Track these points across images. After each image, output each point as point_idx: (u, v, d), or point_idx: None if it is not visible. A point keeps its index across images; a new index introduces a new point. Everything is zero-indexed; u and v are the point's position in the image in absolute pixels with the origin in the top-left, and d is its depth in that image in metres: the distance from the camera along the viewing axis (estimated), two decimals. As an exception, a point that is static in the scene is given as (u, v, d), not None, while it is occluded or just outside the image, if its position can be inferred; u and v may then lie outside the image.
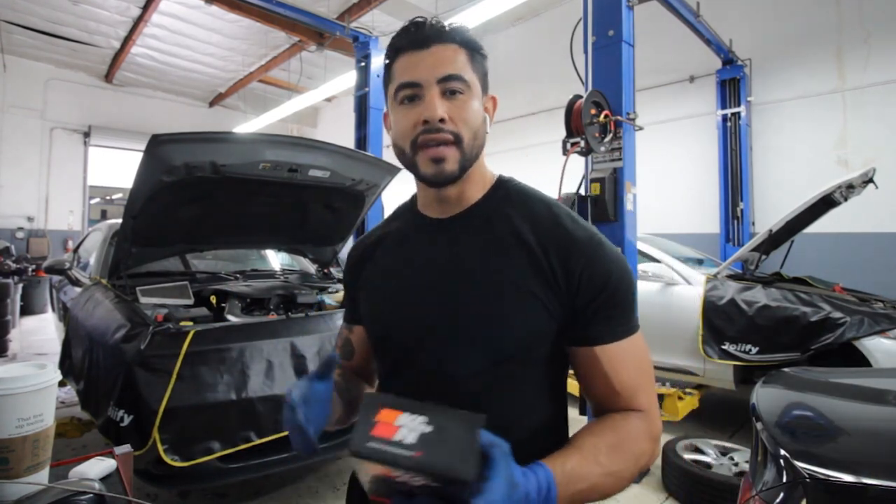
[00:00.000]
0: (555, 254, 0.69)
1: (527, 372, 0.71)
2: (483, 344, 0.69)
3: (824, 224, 3.99)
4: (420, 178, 0.73)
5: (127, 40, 8.27)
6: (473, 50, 0.74)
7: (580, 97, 2.79)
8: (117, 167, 10.38)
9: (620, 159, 2.86)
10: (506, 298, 0.69)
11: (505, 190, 0.78)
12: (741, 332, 3.17)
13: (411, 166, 0.73)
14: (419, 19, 0.73)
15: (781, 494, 1.02)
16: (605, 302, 0.69)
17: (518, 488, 0.54)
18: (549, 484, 0.58)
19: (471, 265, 0.72)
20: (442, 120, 0.68)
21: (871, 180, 3.49)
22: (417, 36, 0.72)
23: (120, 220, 2.70)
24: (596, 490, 0.63)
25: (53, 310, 4.50)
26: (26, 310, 7.54)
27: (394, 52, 0.74)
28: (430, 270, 0.75)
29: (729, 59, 5.68)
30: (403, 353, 0.76)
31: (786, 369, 1.80)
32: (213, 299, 2.98)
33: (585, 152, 2.79)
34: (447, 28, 0.73)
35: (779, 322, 3.05)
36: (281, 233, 3.24)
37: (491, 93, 0.78)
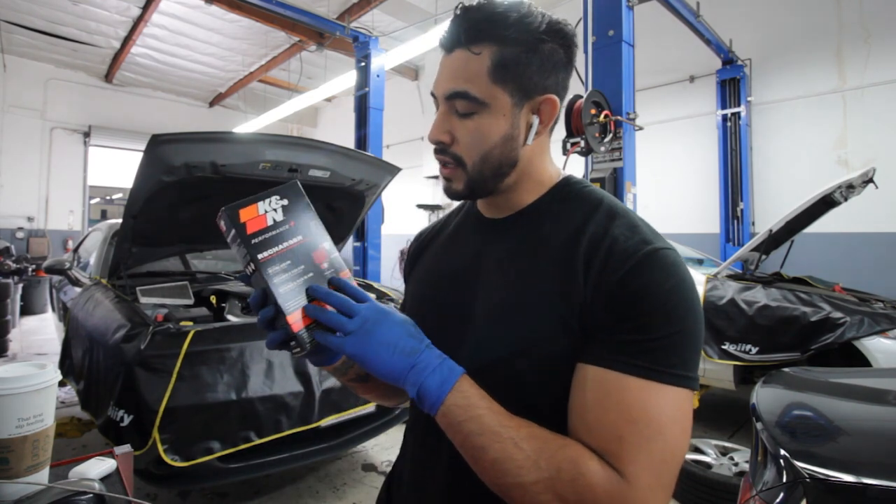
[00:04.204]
0: (596, 264, 0.59)
1: (531, 386, 0.62)
2: (482, 343, 0.66)
3: (824, 224, 3.99)
4: None
5: (127, 40, 8.27)
6: (514, 47, 0.62)
7: (580, 97, 2.79)
8: (117, 167, 10.39)
9: (620, 159, 2.87)
10: (516, 302, 0.64)
11: (565, 193, 0.70)
12: (741, 332, 3.17)
13: None
14: (458, 9, 0.65)
15: (781, 494, 1.02)
16: (631, 321, 0.55)
17: (395, 317, 0.60)
18: (455, 365, 0.59)
19: (496, 266, 0.69)
20: (441, 142, 0.66)
21: (871, 180, 3.49)
22: (449, 34, 0.65)
23: (120, 220, 2.70)
24: (496, 444, 0.54)
25: (53, 310, 4.50)
26: (26, 310, 7.54)
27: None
28: (461, 269, 0.74)
29: (729, 59, 5.68)
30: None
31: (786, 369, 1.80)
32: (213, 299, 2.98)
33: (585, 152, 2.80)
34: (480, 22, 0.63)
35: (779, 322, 3.05)
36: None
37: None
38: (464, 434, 0.56)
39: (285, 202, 0.62)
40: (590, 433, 0.55)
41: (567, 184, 0.72)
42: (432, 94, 0.68)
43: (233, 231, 0.59)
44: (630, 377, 0.54)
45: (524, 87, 0.64)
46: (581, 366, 0.58)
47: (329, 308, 0.59)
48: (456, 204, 0.86)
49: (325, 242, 0.63)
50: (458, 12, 0.65)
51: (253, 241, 0.59)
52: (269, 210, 0.61)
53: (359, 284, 0.64)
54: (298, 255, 0.61)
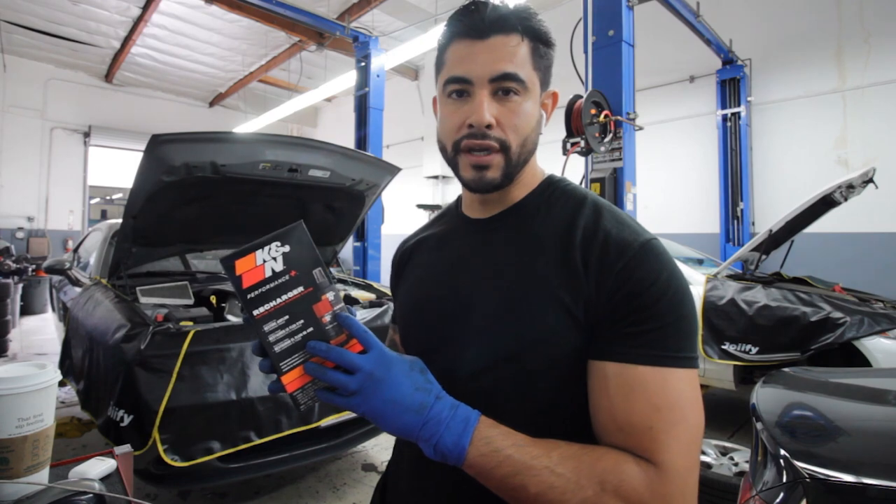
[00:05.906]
0: (594, 259, 0.61)
1: (540, 381, 0.63)
2: (487, 342, 0.65)
3: (824, 224, 3.99)
4: (460, 181, 0.69)
5: (127, 40, 8.27)
6: (539, 41, 0.66)
7: (580, 97, 2.80)
8: (117, 167, 10.40)
9: (620, 159, 2.87)
10: (520, 299, 0.64)
11: (551, 190, 0.72)
12: (741, 332, 3.17)
13: (452, 166, 0.69)
14: (474, 4, 0.65)
15: (781, 494, 1.02)
16: (636, 313, 0.58)
17: (406, 364, 0.59)
18: (469, 412, 0.57)
19: (494, 265, 0.69)
20: (489, 126, 0.63)
21: (871, 180, 3.50)
22: (476, 22, 0.64)
23: (120, 220, 2.70)
24: (534, 478, 0.54)
25: (53, 310, 4.50)
26: (26, 310, 7.53)
27: (449, 36, 0.67)
28: (455, 271, 0.73)
29: (729, 59, 5.68)
30: (423, 352, 0.73)
31: (786, 369, 1.80)
32: (213, 299, 2.98)
33: (585, 152, 2.80)
34: (512, 13, 0.64)
35: (779, 322, 3.05)
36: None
37: None
38: (498, 479, 0.55)
39: (286, 248, 0.57)
40: (621, 431, 0.57)
41: (551, 182, 0.74)
42: (456, 79, 0.65)
43: (231, 281, 0.56)
44: (647, 367, 0.57)
45: (543, 79, 0.69)
46: (597, 363, 0.60)
47: (330, 365, 0.57)
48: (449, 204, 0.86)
49: (329, 292, 0.59)
50: (476, 6, 0.65)
51: (248, 297, 0.55)
52: (267, 259, 0.56)
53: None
54: (298, 308, 0.57)
